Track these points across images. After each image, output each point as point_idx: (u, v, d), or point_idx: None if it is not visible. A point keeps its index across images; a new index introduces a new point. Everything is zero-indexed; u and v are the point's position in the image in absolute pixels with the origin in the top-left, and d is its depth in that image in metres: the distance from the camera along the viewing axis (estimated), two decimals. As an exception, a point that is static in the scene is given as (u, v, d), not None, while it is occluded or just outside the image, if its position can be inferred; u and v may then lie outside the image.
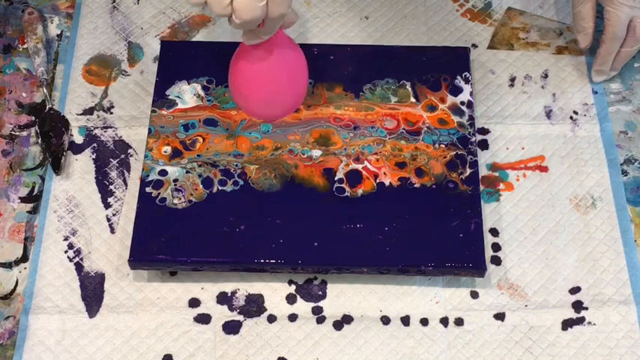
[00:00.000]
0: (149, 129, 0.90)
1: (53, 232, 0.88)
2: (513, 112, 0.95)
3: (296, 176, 0.87)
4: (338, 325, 0.83)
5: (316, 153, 0.89)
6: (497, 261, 0.86)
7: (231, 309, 0.84)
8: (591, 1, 0.93)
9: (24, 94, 0.97)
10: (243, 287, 0.85)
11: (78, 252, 0.87)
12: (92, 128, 0.94)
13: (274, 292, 0.85)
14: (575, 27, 0.96)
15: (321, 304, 0.84)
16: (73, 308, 0.84)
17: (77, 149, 0.93)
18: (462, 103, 0.91)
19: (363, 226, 0.84)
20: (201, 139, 0.89)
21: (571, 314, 0.83)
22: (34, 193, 0.91)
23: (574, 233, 0.88)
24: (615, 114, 0.95)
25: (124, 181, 0.91)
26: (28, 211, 0.90)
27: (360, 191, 0.86)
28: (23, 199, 0.90)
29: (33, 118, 0.95)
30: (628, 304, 0.84)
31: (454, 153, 0.88)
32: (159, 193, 0.86)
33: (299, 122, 0.90)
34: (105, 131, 0.94)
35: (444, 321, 0.83)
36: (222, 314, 0.84)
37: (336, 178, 0.87)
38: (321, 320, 0.84)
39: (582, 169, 0.91)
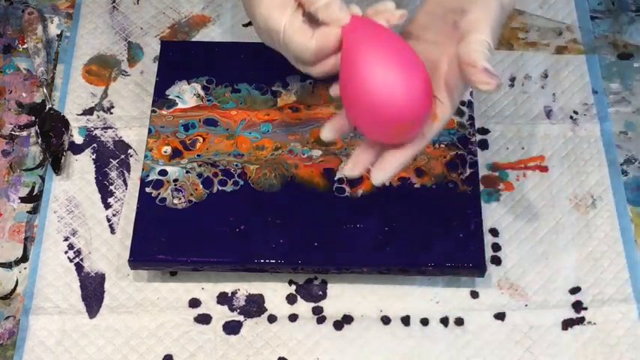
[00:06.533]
0: (149, 129, 0.90)
1: (53, 232, 0.88)
2: (513, 112, 0.95)
3: (296, 176, 0.87)
4: (338, 325, 0.83)
5: (316, 153, 0.89)
6: (497, 261, 0.86)
7: (231, 309, 0.84)
8: None
9: (24, 94, 0.97)
10: (244, 287, 0.85)
11: (78, 252, 0.87)
12: (92, 128, 0.94)
13: (274, 292, 0.85)
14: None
15: (321, 304, 0.84)
16: (73, 308, 0.84)
17: (77, 149, 0.93)
18: (462, 103, 0.91)
19: (363, 226, 0.84)
20: (201, 139, 0.89)
21: (571, 314, 0.83)
22: (34, 193, 0.91)
23: (574, 233, 0.88)
24: (615, 114, 0.95)
25: (124, 181, 0.91)
26: (28, 211, 0.90)
27: (360, 191, 0.86)
28: (23, 199, 0.90)
29: (33, 118, 0.95)
30: (628, 302, 0.84)
31: (454, 153, 0.88)
32: (159, 193, 0.86)
33: (299, 122, 0.90)
34: (105, 131, 0.94)
35: (444, 321, 0.83)
36: (222, 314, 0.84)
37: (336, 178, 0.87)
38: (321, 320, 0.84)
39: (582, 169, 0.91)
